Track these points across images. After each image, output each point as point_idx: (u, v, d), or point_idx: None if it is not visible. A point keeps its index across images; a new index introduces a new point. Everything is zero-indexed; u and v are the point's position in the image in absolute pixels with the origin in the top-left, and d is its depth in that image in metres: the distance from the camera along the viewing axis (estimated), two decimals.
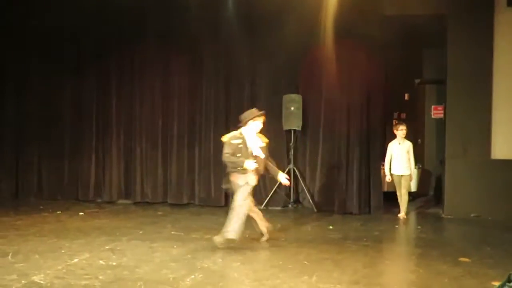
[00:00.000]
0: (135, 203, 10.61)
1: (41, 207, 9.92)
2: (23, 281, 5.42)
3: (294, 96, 9.98)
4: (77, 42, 10.84)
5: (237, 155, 6.85)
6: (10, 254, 6.44)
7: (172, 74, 10.57)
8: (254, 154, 6.89)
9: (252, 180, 6.93)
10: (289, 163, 10.13)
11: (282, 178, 7.33)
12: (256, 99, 10.30)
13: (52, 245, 6.97)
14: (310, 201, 10.02)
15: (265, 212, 9.76)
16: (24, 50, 10.91)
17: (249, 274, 5.80)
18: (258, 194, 10.22)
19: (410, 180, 9.71)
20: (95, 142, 10.91)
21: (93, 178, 10.89)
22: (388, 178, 9.50)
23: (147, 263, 6.19)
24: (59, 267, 5.92)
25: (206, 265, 6.10)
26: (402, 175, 9.39)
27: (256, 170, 6.91)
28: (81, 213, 9.46)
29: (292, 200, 10.25)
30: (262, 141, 7.06)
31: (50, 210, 9.60)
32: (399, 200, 9.49)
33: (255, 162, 6.83)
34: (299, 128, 10.05)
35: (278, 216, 9.44)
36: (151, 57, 10.57)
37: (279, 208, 10.14)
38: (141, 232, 7.93)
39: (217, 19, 10.21)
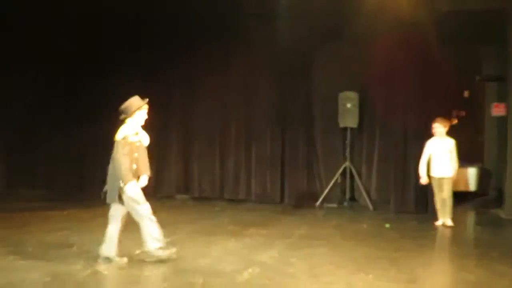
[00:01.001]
0: (193, 198, 10.76)
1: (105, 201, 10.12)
2: (88, 271, 5.62)
3: (350, 93, 9.88)
4: (137, 48, 10.94)
5: (135, 154, 5.90)
6: (75, 245, 6.67)
7: (229, 76, 10.65)
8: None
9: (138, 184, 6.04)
10: (345, 160, 10.05)
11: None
12: (312, 97, 10.27)
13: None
14: (366, 199, 9.92)
15: (321, 209, 9.80)
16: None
17: (305, 270, 5.79)
18: (314, 188, 10.24)
19: (452, 183, 8.44)
20: (154, 140, 11.10)
21: (154, 174, 11.09)
22: (423, 180, 8.50)
23: (205, 256, 6.29)
24: (124, 258, 6.06)
25: (263, 260, 6.13)
26: (442, 178, 8.37)
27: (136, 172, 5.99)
28: None
29: (347, 198, 10.16)
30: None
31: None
32: (437, 207, 8.47)
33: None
34: (356, 126, 9.95)
35: (334, 214, 9.40)
36: (209, 60, 10.65)
37: (334, 205, 10.07)
38: (199, 225, 8.05)
39: (273, 19, 10.17)
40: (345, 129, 10.05)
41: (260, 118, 10.56)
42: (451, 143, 8.43)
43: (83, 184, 11.42)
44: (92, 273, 5.57)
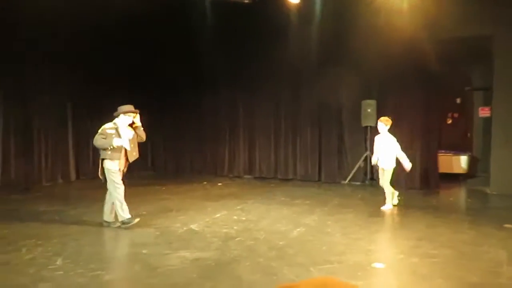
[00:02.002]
0: (255, 178, 10.83)
1: (193, 179, 10.33)
2: (184, 228, 5.78)
3: (370, 101, 9.66)
4: (214, 64, 10.69)
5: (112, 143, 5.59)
6: (174, 210, 6.87)
7: (281, 87, 10.51)
8: (124, 146, 5.61)
9: (121, 165, 5.69)
10: (366, 150, 9.84)
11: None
12: (341, 104, 10.09)
13: (201, 204, 7.30)
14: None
15: (348, 186, 9.66)
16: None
17: (339, 229, 5.74)
18: (343, 171, 10.07)
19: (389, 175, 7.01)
20: (228, 135, 11.25)
21: (227, 160, 11.26)
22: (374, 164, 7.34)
23: (265, 219, 6.34)
24: (207, 220, 6.23)
25: (307, 222, 6.12)
26: (382, 168, 7.11)
27: (125, 157, 5.70)
28: (219, 184, 9.80)
29: (368, 178, 9.94)
30: (131, 132, 5.75)
31: (198, 182, 10.03)
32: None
33: (122, 152, 5.62)
34: (374, 125, 9.68)
35: (358, 189, 9.23)
36: (264, 75, 10.53)
37: (358, 183, 9.88)
38: (260, 198, 8.08)
39: (311, 38, 9.82)
40: (366, 127, 9.83)
41: (304, 120, 10.43)
42: (391, 139, 7.06)
43: (178, 168, 11.68)
44: (187, 230, 5.72)
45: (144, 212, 6.56)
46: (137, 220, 5.72)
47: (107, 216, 5.77)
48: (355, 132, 10.05)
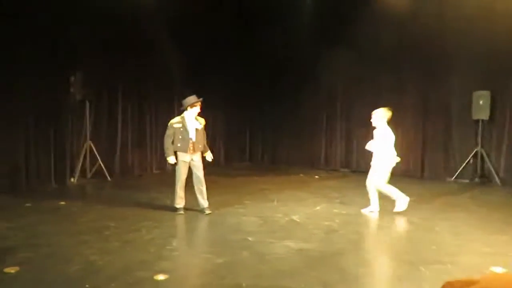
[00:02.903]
0: (352, 171, 10.64)
1: (289, 171, 10.40)
2: (286, 218, 5.94)
3: (483, 92, 8.91)
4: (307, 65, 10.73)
5: (179, 136, 5.84)
6: (275, 200, 7.06)
7: (379, 76, 10.04)
8: (189, 136, 5.84)
9: (186, 157, 5.90)
10: (476, 146, 9.13)
11: (208, 156, 6.13)
12: (449, 95, 9.46)
13: (300, 196, 7.38)
14: (495, 176, 8.91)
15: (455, 183, 9.06)
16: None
17: (448, 229, 5.46)
18: (449, 167, 9.48)
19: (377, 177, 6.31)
20: (325, 127, 11.19)
21: (323, 152, 11.22)
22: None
23: (366, 214, 6.24)
24: (307, 211, 6.32)
25: (413, 220, 5.91)
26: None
27: (192, 149, 5.87)
28: (316, 176, 9.81)
29: (478, 175, 9.23)
30: (200, 123, 5.96)
31: (295, 174, 10.09)
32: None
33: (191, 143, 5.82)
34: (487, 118, 8.96)
35: (467, 187, 8.62)
36: (364, 63, 10.06)
37: (467, 181, 9.21)
38: (359, 191, 7.90)
39: (412, 25, 9.32)
40: (477, 121, 9.10)
41: (406, 111, 9.90)
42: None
43: (274, 160, 11.90)
44: (289, 220, 5.87)
45: (247, 201, 6.84)
46: (180, 213, 6.00)
47: (201, 202, 6.10)
48: (465, 126, 9.37)
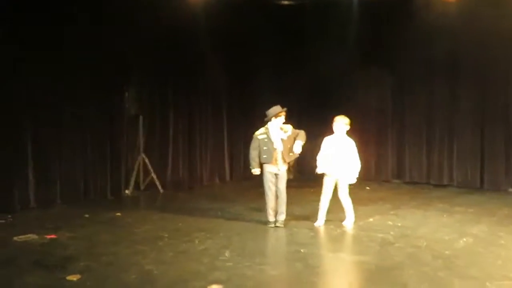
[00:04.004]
0: (405, 182, 10.25)
1: None
2: (338, 230, 5.83)
3: None
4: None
5: (264, 148, 5.80)
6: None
7: (432, 81, 9.66)
8: (274, 147, 5.78)
9: (273, 169, 5.84)
10: None
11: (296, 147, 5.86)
12: (510, 99, 8.96)
13: (353, 208, 7.19)
14: None
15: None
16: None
17: None
18: (511, 177, 8.90)
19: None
20: (375, 136, 10.74)
21: (374, 162, 10.85)
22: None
23: (424, 226, 6.02)
24: (360, 223, 6.16)
25: (474, 232, 5.62)
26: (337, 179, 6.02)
27: (278, 160, 5.81)
28: (367, 188, 9.49)
29: None
30: (285, 131, 5.84)
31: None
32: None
33: (275, 152, 5.77)
34: None
35: None
36: (416, 66, 9.70)
37: None
38: (414, 203, 7.66)
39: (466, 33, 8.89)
40: None
41: (462, 118, 9.42)
42: (351, 143, 6.02)
43: None
44: (341, 232, 5.74)
45: (297, 213, 6.74)
46: (270, 226, 5.91)
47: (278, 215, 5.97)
48: None
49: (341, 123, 5.97)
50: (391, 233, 5.61)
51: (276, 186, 5.90)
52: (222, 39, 9.47)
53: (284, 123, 5.93)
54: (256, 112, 9.98)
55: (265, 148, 5.83)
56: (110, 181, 8.15)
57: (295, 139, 5.90)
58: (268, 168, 5.87)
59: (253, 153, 5.90)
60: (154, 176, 8.66)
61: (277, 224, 5.91)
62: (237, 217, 6.56)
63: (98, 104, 7.89)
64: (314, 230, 5.83)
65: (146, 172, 8.71)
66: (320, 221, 6.03)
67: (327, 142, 6.01)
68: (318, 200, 6.08)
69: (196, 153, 9.90)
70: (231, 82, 10.06)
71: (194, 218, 6.50)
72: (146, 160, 8.64)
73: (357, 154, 6.04)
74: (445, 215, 6.62)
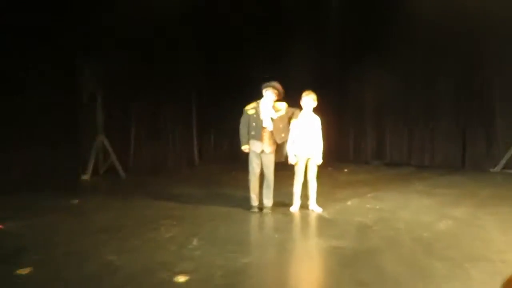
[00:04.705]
0: (385, 164, 10.52)
1: None
2: (314, 215, 5.89)
3: None
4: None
5: (253, 124, 5.75)
6: (301, 196, 6.97)
7: (411, 56, 9.94)
8: (264, 125, 5.73)
9: (256, 147, 5.79)
10: None
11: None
12: (490, 77, 9.26)
13: (328, 191, 7.19)
14: None
15: (499, 174, 8.83)
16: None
17: (494, 224, 5.34)
18: (492, 157, 9.23)
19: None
20: (352, 116, 11.05)
21: (352, 143, 11.10)
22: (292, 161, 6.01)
23: (404, 209, 6.17)
24: (337, 207, 6.29)
25: (455, 214, 5.80)
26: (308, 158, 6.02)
27: (266, 139, 5.76)
28: (345, 170, 9.74)
29: None
30: (277, 110, 5.79)
31: (322, 167, 9.88)
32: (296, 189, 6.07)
33: (264, 133, 5.70)
34: None
35: None
36: (396, 40, 9.99)
37: None
38: (394, 186, 7.85)
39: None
40: None
41: (442, 97, 9.82)
42: (318, 121, 6.04)
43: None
44: (317, 216, 5.81)
45: (273, 198, 6.77)
46: (253, 211, 5.93)
47: (264, 199, 5.97)
48: (509, 112, 9.15)
49: (308, 99, 5.94)
50: (369, 216, 5.74)
51: (262, 170, 5.88)
52: (190, 17, 9.36)
53: (277, 101, 5.88)
54: (229, 91, 10.18)
55: (253, 124, 5.78)
56: (66, 165, 7.99)
57: (290, 119, 5.88)
58: (253, 145, 5.82)
59: (243, 130, 5.85)
60: (115, 160, 8.54)
61: (264, 211, 5.92)
62: (207, 202, 6.56)
63: (53, 82, 7.67)
64: (289, 215, 5.90)
65: (106, 155, 8.59)
66: (295, 206, 6.11)
67: (294, 123, 5.97)
68: (293, 184, 6.13)
69: (162, 134, 9.83)
70: (203, 60, 10.05)
71: (160, 204, 6.47)
72: (106, 142, 8.49)
73: (321, 133, 6.05)
74: (425, 197, 6.82)
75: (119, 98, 9.01)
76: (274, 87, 5.78)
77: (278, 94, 5.82)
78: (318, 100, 6.00)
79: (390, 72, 10.10)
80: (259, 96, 5.93)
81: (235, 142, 11.18)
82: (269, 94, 5.78)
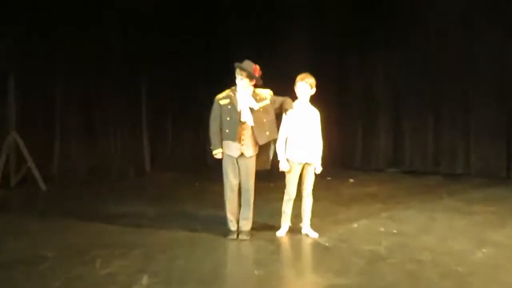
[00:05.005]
0: (404, 172, 10.61)
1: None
2: (309, 242, 5.91)
3: None
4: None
5: (226, 118, 5.67)
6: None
7: (434, 43, 10.32)
8: (242, 119, 5.67)
9: (233, 150, 5.74)
10: None
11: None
12: None
13: (329, 209, 7.33)
14: None
15: None
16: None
17: None
18: None
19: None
20: (360, 112, 11.20)
21: (360, 146, 11.18)
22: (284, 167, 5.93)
23: (429, 233, 6.22)
24: (341, 231, 6.27)
25: (496, 239, 5.87)
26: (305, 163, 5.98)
27: (250, 140, 5.71)
28: (351, 180, 9.80)
29: None
30: (258, 101, 5.71)
31: (320, 177, 9.93)
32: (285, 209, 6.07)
33: (242, 130, 5.67)
34: None
35: None
36: (415, 26, 10.35)
37: None
38: (416, 201, 7.92)
39: None
40: None
41: (480, 90, 10.05)
42: (316, 114, 6.04)
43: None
44: (313, 244, 5.80)
45: (253, 218, 6.69)
46: (231, 238, 5.87)
47: (240, 221, 5.94)
48: None
49: (303, 84, 5.86)
50: (383, 243, 5.74)
51: (240, 179, 5.83)
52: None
53: (257, 86, 5.81)
54: (197, 78, 10.22)
55: (227, 118, 5.70)
56: None
57: (279, 109, 5.82)
58: (228, 149, 5.76)
59: (213, 126, 5.77)
60: (33, 166, 8.43)
61: (240, 237, 5.87)
62: (162, 225, 6.49)
63: None
64: (275, 242, 5.86)
65: (20, 160, 8.45)
66: (283, 230, 6.07)
67: (286, 117, 5.88)
68: (280, 199, 6.10)
69: (100, 131, 9.78)
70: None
71: (96, 227, 6.39)
72: (20, 141, 8.38)
73: (320, 131, 6.04)
74: (457, 217, 6.90)
75: (40, 82, 8.89)
76: (241, 68, 5.66)
77: (250, 78, 5.70)
78: (317, 87, 5.94)
79: (411, 54, 10.35)
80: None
81: (201, 143, 11.61)
82: (240, 79, 5.69)
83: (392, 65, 10.71)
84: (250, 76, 5.70)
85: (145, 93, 10.54)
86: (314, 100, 6.05)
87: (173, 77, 10.73)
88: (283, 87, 6.10)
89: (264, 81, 5.87)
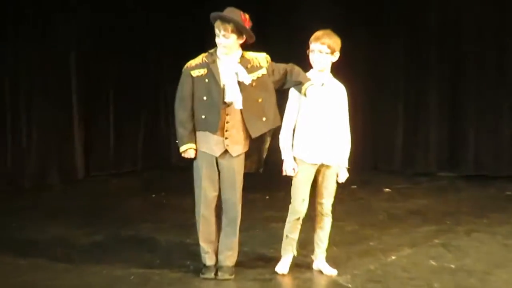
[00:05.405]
0: (463, 176, 10.74)
1: None
2: (323, 282, 5.97)
3: None
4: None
5: (202, 97, 5.65)
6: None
7: None
8: (226, 99, 5.60)
9: (212, 147, 5.72)
10: None
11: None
12: None
13: (355, 234, 7.42)
14: None
15: None
16: None
17: None
18: None
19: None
20: (402, 102, 11.32)
21: (400, 143, 11.25)
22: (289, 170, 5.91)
23: (503, 268, 6.24)
24: (371, 267, 6.29)
25: None
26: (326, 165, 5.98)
27: (238, 131, 5.70)
28: (387, 190, 9.87)
29: None
30: (250, 70, 5.68)
31: (341, 185, 9.86)
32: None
33: (227, 113, 5.64)
34: None
35: None
36: None
37: None
38: (484, 221, 8.00)
39: None
40: None
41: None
42: (343, 92, 6.05)
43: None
44: (329, 284, 5.84)
45: (244, 246, 6.69)
46: (205, 277, 5.90)
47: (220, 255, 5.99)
48: None
49: (320, 47, 5.74)
50: (436, 284, 5.78)
51: (221, 190, 5.81)
52: None
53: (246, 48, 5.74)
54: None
55: (204, 98, 5.65)
56: None
57: (280, 84, 5.82)
58: (204, 144, 5.72)
59: (181, 110, 5.74)
60: None
61: (220, 275, 5.88)
62: (102, 258, 6.53)
63: None
64: (273, 282, 5.90)
65: None
66: (285, 263, 6.08)
67: (298, 98, 5.84)
68: (282, 219, 6.14)
69: (11, 123, 10.07)
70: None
71: (8, 262, 6.42)
72: None
73: (348, 118, 6.08)
74: None
75: None
76: (224, 20, 5.53)
77: (238, 34, 5.60)
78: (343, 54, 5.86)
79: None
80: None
81: (162, 135, 11.62)
82: (222, 36, 5.58)
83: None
84: (239, 30, 5.58)
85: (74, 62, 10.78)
86: (336, 73, 5.97)
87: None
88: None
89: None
